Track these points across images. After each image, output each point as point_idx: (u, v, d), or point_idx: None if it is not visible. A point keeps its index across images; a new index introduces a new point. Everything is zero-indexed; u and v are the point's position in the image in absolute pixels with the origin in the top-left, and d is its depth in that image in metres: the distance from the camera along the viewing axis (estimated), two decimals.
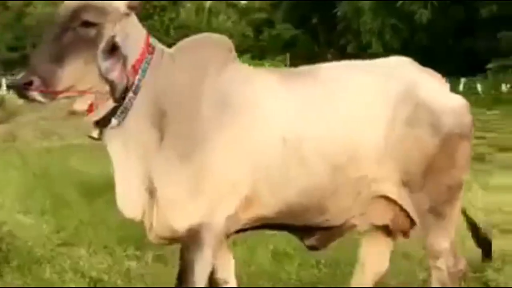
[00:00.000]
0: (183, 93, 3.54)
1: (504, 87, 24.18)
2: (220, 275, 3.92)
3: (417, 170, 3.68)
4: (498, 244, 5.59)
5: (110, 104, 3.48)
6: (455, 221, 3.85)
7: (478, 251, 4.17)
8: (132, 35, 3.53)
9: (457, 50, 29.24)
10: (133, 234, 5.33)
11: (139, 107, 3.51)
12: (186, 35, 3.91)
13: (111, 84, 3.40)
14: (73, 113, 3.64)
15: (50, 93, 3.34)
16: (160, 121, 3.51)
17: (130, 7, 3.49)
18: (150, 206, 3.58)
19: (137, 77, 3.51)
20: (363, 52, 27.87)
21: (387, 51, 24.69)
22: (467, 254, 4.12)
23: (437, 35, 29.36)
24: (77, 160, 9.39)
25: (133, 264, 5.38)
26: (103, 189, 6.66)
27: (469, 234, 4.09)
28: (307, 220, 3.74)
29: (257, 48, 35.18)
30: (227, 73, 3.63)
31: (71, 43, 3.36)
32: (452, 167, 3.73)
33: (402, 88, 3.70)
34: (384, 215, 3.85)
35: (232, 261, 3.99)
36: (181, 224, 3.51)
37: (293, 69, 4.03)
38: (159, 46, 3.66)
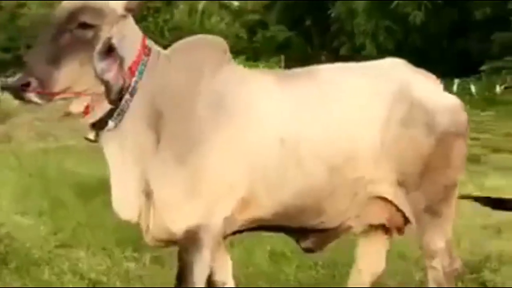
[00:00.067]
0: (179, 94, 3.55)
1: (498, 89, 24.17)
2: (218, 277, 3.92)
3: (413, 170, 3.70)
4: (494, 245, 5.63)
5: (107, 106, 3.48)
6: (451, 220, 3.86)
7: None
8: (129, 37, 3.54)
9: (451, 51, 29.22)
10: (131, 236, 5.33)
11: (136, 109, 3.52)
12: (181, 37, 3.91)
13: (107, 85, 3.39)
14: (68, 114, 3.64)
15: (47, 95, 3.35)
16: (157, 122, 3.52)
17: (127, 9, 3.49)
18: (146, 208, 3.59)
19: (134, 79, 3.52)
20: (356, 54, 27.88)
21: (381, 53, 24.67)
22: (463, 255, 4.15)
23: (431, 37, 29.34)
24: (73, 161, 9.37)
25: (131, 265, 5.38)
26: (99, 191, 6.65)
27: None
28: (303, 222, 3.75)
29: (250, 49, 35.09)
30: (223, 74, 3.65)
31: (68, 44, 3.37)
32: (448, 166, 3.76)
33: (396, 88, 3.72)
34: (380, 215, 3.87)
35: (230, 263, 4.00)
36: (178, 226, 3.52)
37: (288, 71, 4.05)
38: (155, 48, 3.67)
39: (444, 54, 29.31)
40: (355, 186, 3.69)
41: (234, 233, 3.78)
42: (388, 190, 3.75)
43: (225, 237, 3.74)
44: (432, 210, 3.76)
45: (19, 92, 3.34)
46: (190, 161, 3.47)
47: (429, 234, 3.79)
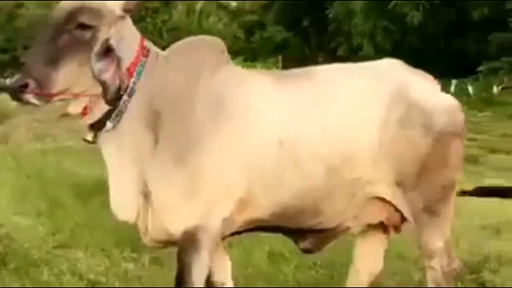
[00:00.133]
0: (177, 95, 3.55)
1: (495, 89, 24.21)
2: (217, 277, 3.92)
3: (411, 170, 3.70)
4: (493, 245, 5.64)
5: (105, 107, 3.48)
6: (449, 219, 3.87)
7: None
8: (127, 38, 3.54)
9: (449, 51, 29.26)
10: (130, 237, 5.33)
11: (134, 110, 3.52)
12: (179, 38, 3.92)
13: (104, 85, 3.38)
14: (66, 115, 3.64)
15: (45, 96, 3.35)
16: (155, 123, 3.52)
17: (126, 10, 3.49)
18: (144, 209, 3.59)
19: (132, 80, 3.52)
20: (354, 55, 27.89)
21: (379, 53, 24.69)
22: (462, 255, 4.15)
23: (428, 37, 29.38)
24: (71, 162, 9.36)
25: (130, 266, 5.39)
26: (98, 191, 6.65)
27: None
28: (301, 223, 3.75)
29: (248, 50, 35.08)
30: (221, 74, 3.65)
31: (66, 45, 3.36)
32: (446, 166, 3.76)
33: (393, 89, 3.73)
34: (378, 216, 3.88)
35: (229, 263, 4.00)
36: (176, 227, 3.52)
37: (286, 71, 4.06)
38: (153, 49, 3.67)
39: (442, 54, 29.35)
40: (353, 187, 3.69)
41: (232, 234, 3.78)
42: (386, 191, 3.75)
43: (223, 237, 3.74)
44: (431, 210, 3.77)
45: (17, 93, 3.33)
46: (189, 161, 3.47)
47: (427, 234, 3.80)
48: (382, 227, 4.02)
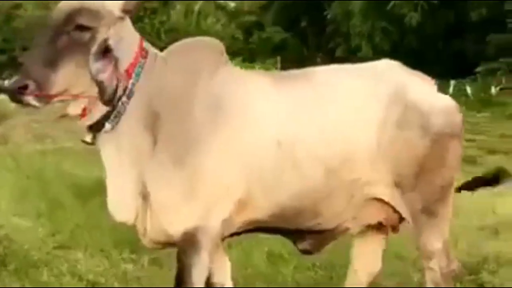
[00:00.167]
0: (176, 96, 3.55)
1: (493, 90, 24.24)
2: (216, 279, 3.92)
3: (409, 171, 3.71)
4: (492, 246, 5.64)
5: (104, 108, 3.48)
6: (448, 220, 3.88)
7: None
8: (126, 39, 3.54)
9: (447, 52, 29.30)
10: (129, 237, 5.33)
11: (133, 111, 3.52)
12: (177, 39, 3.92)
13: (100, 85, 3.38)
14: (65, 116, 3.64)
15: (44, 97, 3.34)
16: (154, 124, 3.52)
17: (124, 11, 3.49)
18: (143, 210, 3.59)
19: (131, 81, 3.52)
20: (352, 55, 27.92)
21: (377, 54, 24.70)
22: (460, 256, 4.16)
23: (427, 38, 29.42)
24: (70, 163, 9.34)
25: (129, 267, 5.38)
26: (97, 192, 6.64)
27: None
28: (300, 224, 3.76)
29: (246, 51, 35.10)
30: (220, 75, 3.65)
31: (65, 46, 3.37)
32: (443, 166, 3.77)
33: (391, 90, 3.74)
34: (376, 216, 3.88)
35: (228, 264, 3.99)
36: (176, 228, 3.52)
37: (284, 72, 4.07)
38: (152, 50, 3.67)
39: (440, 55, 29.39)
40: (352, 188, 3.70)
41: (231, 234, 3.78)
42: (385, 191, 3.76)
43: (223, 238, 3.74)
44: (429, 211, 3.78)
45: (16, 95, 3.33)
46: (187, 163, 3.47)
47: (426, 234, 3.81)
48: (380, 227, 4.03)
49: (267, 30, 37.75)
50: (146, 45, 3.66)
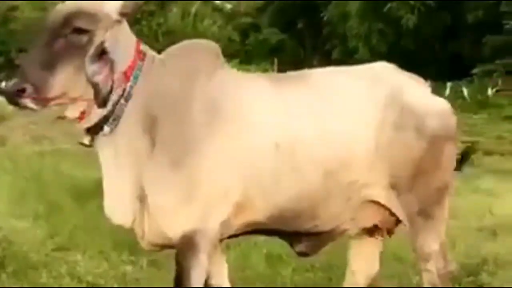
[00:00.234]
0: (174, 99, 3.56)
1: (489, 91, 24.24)
2: (214, 281, 3.93)
3: (405, 174, 3.73)
4: (491, 248, 5.66)
5: (102, 111, 3.48)
6: (444, 222, 3.90)
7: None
8: (123, 41, 3.54)
9: (443, 54, 29.32)
10: (127, 239, 5.33)
11: (131, 114, 3.52)
12: (174, 41, 3.93)
13: (96, 87, 3.39)
14: (63, 117, 3.64)
15: (42, 100, 3.35)
16: (152, 127, 3.53)
17: (122, 14, 3.49)
18: (141, 213, 3.59)
19: (129, 84, 3.53)
20: (349, 57, 27.90)
21: (374, 56, 24.75)
22: (459, 257, 4.16)
23: (423, 40, 29.42)
24: (69, 165, 9.32)
25: (128, 268, 5.40)
26: (95, 193, 6.60)
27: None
28: (298, 226, 3.77)
29: (243, 52, 35.06)
30: (217, 78, 3.66)
31: (62, 50, 3.37)
32: (439, 168, 3.79)
33: (388, 92, 3.76)
34: (373, 218, 3.90)
35: (226, 266, 4.01)
36: (174, 231, 3.53)
37: (281, 74, 4.06)
38: (150, 52, 3.68)
39: (437, 57, 29.40)
40: (349, 190, 3.71)
41: (230, 236, 3.79)
42: (381, 194, 3.77)
43: (221, 240, 3.75)
44: (425, 213, 3.79)
45: (14, 97, 3.34)
46: (185, 165, 3.47)
47: (422, 236, 3.83)
48: (375, 230, 4.04)
49: (264, 32, 37.72)
50: (144, 47, 3.67)
